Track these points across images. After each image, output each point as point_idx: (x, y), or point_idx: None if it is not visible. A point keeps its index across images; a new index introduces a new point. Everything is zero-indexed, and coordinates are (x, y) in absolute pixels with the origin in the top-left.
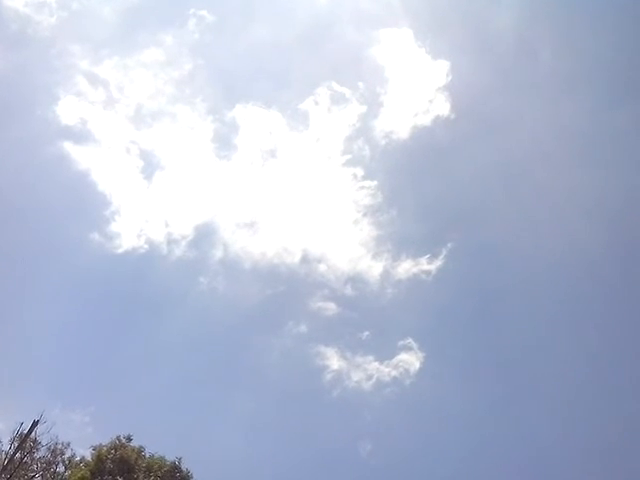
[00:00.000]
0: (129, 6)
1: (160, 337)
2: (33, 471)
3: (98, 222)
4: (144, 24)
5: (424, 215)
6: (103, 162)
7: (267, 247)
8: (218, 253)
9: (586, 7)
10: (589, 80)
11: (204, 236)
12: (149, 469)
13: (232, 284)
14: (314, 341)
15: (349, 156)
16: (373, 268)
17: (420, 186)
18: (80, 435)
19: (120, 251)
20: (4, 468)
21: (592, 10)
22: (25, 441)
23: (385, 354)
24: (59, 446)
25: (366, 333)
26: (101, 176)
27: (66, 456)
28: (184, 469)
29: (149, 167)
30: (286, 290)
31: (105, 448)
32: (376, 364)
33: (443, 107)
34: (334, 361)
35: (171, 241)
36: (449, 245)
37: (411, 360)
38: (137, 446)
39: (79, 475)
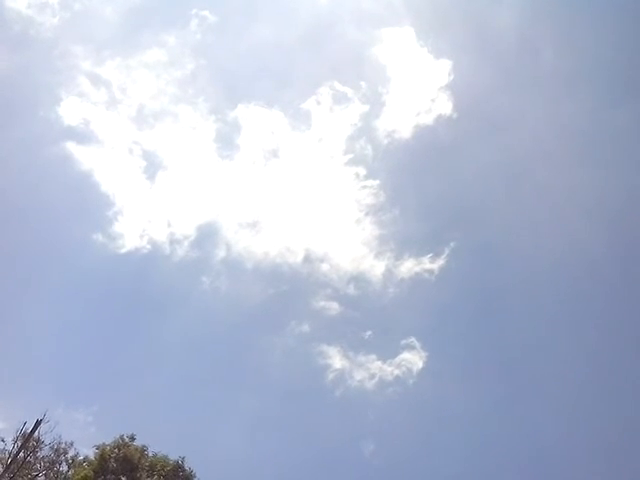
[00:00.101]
0: (131, 7)
1: (163, 337)
2: (36, 470)
3: (101, 222)
4: (146, 25)
5: (426, 214)
6: (106, 162)
7: (270, 247)
8: (221, 253)
9: (587, 7)
10: (590, 79)
11: (207, 236)
12: (152, 468)
13: (235, 284)
14: (317, 340)
15: (351, 155)
16: (375, 267)
17: (422, 185)
18: (83, 434)
19: (123, 251)
20: (8, 467)
21: (593, 9)
22: (28, 440)
23: (388, 353)
24: (62, 445)
25: (369, 332)
26: (104, 176)
27: (69, 455)
28: (187, 468)
29: (152, 167)
30: (289, 290)
31: (108, 447)
32: (379, 363)
33: (445, 106)
34: (337, 360)
35: (174, 241)
36: (451, 244)
37: (414, 359)
38: (140, 445)
39: (82, 474)
